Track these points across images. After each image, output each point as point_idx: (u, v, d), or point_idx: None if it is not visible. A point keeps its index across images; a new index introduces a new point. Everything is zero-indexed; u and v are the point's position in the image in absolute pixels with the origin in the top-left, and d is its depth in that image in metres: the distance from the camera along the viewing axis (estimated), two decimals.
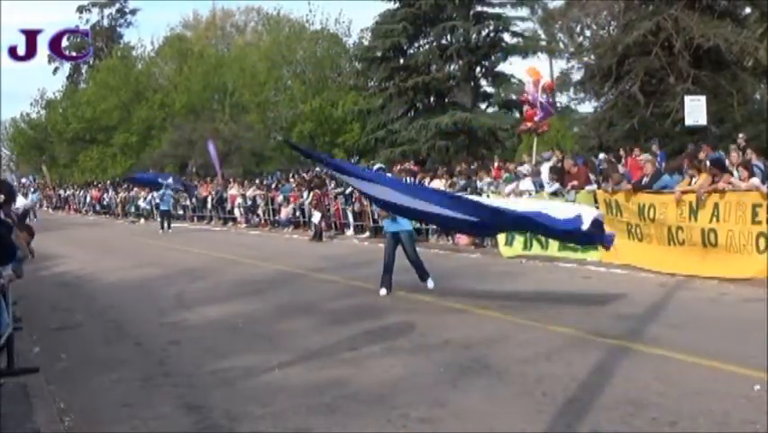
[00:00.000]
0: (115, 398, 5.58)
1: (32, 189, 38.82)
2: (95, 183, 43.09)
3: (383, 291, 9.27)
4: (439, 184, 14.31)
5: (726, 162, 10.73)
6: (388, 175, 12.71)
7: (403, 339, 6.92)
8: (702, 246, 9.40)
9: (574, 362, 5.75)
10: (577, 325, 7.03)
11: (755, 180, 9.11)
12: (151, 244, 20.09)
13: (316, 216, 18.28)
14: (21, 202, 22.85)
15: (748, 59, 22.65)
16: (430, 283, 9.34)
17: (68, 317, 9.32)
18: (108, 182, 41.49)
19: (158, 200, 26.87)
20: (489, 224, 8.74)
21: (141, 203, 32.14)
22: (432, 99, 29.91)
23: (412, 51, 29.88)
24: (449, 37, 28.66)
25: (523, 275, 10.79)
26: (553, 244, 11.87)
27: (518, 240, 12.59)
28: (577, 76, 26.25)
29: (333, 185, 19.72)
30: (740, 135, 16.28)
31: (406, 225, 9.54)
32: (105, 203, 38.25)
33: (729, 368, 5.32)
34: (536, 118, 15.33)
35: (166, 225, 24.06)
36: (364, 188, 9.37)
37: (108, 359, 6.85)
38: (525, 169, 14.12)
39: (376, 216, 16.94)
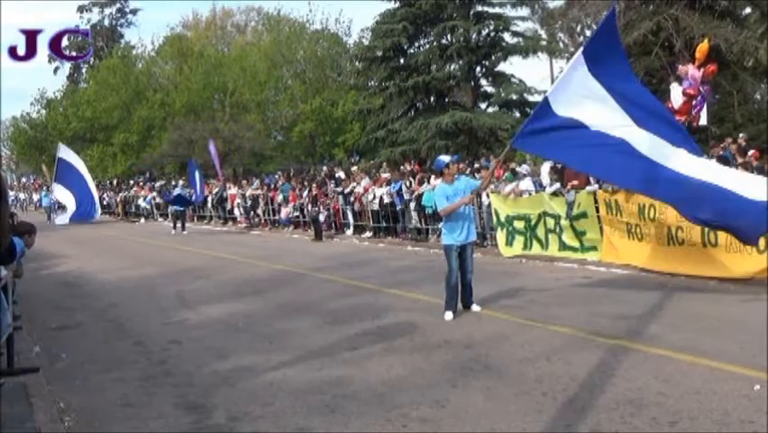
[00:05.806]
0: (115, 397, 5.58)
1: (44, 193, 38.85)
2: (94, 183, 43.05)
3: (449, 315, 7.84)
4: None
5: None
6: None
7: (403, 339, 6.92)
8: (702, 246, 9.40)
9: (574, 362, 5.75)
10: (577, 325, 7.03)
11: None
12: (152, 243, 20.09)
13: (323, 215, 18.52)
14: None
15: (748, 59, 22.61)
16: (476, 307, 8.18)
17: (69, 316, 9.33)
18: (108, 182, 41.50)
19: (158, 199, 26.67)
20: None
21: (142, 203, 32.20)
22: (432, 99, 29.87)
23: (412, 51, 29.84)
24: (449, 37, 28.61)
25: (523, 275, 10.79)
26: (553, 244, 11.88)
27: (518, 240, 12.58)
28: None
29: (333, 184, 19.73)
30: (740, 135, 16.28)
31: (474, 233, 8.35)
32: (105, 203, 38.27)
33: (729, 368, 5.32)
34: (694, 111, 12.56)
35: (179, 225, 23.08)
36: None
37: (109, 358, 6.86)
38: (524, 169, 14.09)
39: (381, 216, 16.94)
